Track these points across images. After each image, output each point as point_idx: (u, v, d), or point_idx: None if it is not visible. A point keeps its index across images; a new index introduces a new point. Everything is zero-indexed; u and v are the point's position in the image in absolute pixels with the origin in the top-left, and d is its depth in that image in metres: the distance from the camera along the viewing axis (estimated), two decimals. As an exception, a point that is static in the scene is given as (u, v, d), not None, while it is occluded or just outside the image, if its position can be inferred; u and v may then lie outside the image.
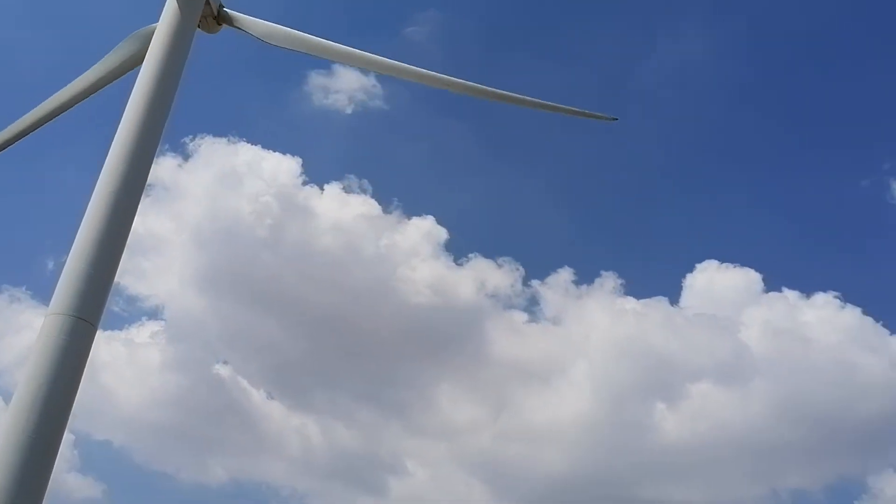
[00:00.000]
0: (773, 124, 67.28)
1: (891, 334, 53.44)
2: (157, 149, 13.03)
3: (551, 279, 59.67)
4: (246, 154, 56.59)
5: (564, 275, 59.14)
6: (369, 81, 62.43)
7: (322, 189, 59.02)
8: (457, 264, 59.42)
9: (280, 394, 56.63)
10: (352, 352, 53.92)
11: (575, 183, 70.23)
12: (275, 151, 57.76)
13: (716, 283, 57.08)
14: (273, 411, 56.07)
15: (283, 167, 57.18)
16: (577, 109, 16.00)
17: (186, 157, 57.28)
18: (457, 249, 59.36)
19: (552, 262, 63.98)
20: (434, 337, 56.14)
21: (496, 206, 67.94)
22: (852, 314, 53.86)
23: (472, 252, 59.91)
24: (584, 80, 68.67)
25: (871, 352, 52.74)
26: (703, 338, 53.98)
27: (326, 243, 55.85)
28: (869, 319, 53.77)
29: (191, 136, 56.09)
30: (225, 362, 55.54)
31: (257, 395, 54.97)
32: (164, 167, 54.02)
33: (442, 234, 58.39)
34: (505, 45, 69.18)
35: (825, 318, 54.13)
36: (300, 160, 57.70)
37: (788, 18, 65.67)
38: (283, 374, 56.66)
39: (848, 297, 53.94)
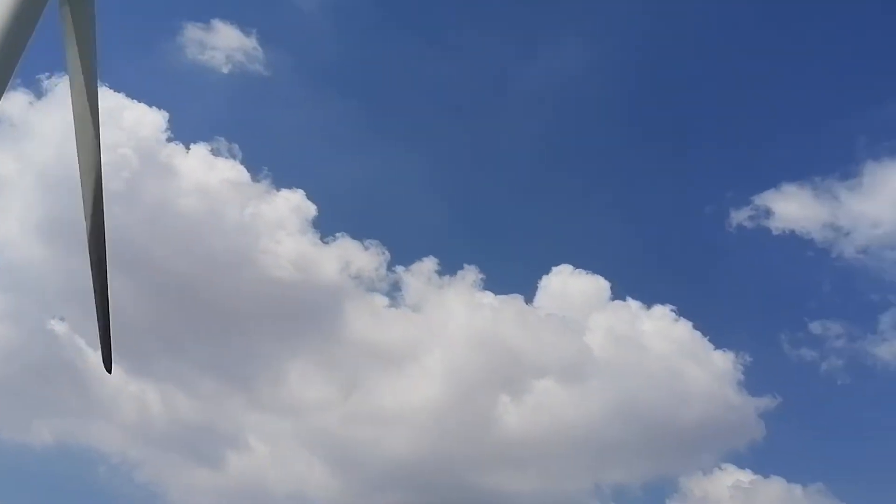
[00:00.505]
0: (641, 142, 71.24)
1: (715, 349, 58.36)
2: (8, 82, 12.13)
3: (416, 267, 60.38)
4: (107, 100, 52.99)
5: (429, 264, 59.99)
6: (250, 43, 60.48)
7: (188, 148, 56.68)
8: (323, 242, 58.87)
9: (119, 357, 53.48)
10: (202, 320, 52.35)
11: (453, 174, 71.45)
12: (139, 102, 54.81)
13: (568, 286, 59.82)
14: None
15: (146, 119, 54.30)
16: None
17: (40, 94, 53.47)
18: (324, 227, 58.81)
19: (419, 250, 64.78)
20: (291, 313, 55.46)
21: (371, 187, 67.79)
22: (684, 327, 58.18)
23: (339, 231, 59.56)
24: (467, 75, 70.02)
25: (696, 363, 57.31)
26: (551, 337, 56.48)
27: (187, 206, 53.75)
28: (698, 333, 58.42)
29: (48, 74, 52.33)
30: (61, 318, 52.20)
31: (94, 357, 51.89)
32: (13, 103, 49.92)
33: (311, 209, 57.66)
34: (393, 25, 69.21)
35: (661, 329, 58.14)
36: (167, 115, 55.09)
37: (666, 39, 69.72)
38: (124, 337, 53.43)
39: (682, 312, 58.06)
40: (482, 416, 54.63)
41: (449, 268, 60.89)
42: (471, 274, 59.99)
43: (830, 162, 69.46)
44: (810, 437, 61.38)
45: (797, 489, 53.66)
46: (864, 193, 68.12)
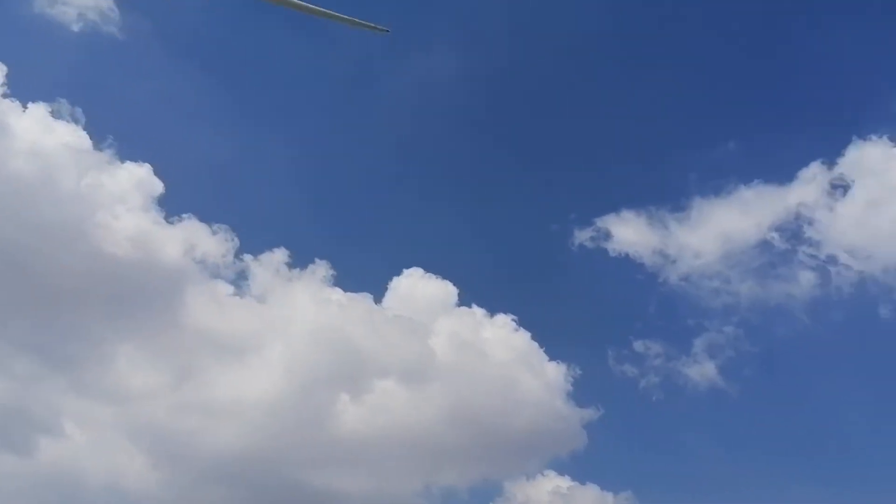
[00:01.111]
0: (500, 154, 73.33)
1: (549, 360, 61.25)
2: None
3: (265, 257, 58.85)
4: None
5: (279, 255, 58.70)
6: (106, 3, 56.39)
7: (25, 107, 52.26)
8: (167, 222, 55.93)
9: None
10: (25, 293, 47.99)
11: (313, 166, 70.10)
12: (-26, 50, 49.80)
13: (418, 289, 60.57)
14: None
15: (-21, 71, 49.52)
16: (350, 19, 16.22)
17: None
18: (170, 206, 56.00)
19: (270, 240, 62.87)
20: (125, 293, 52.14)
21: (225, 170, 65.25)
22: (523, 337, 60.70)
23: (187, 212, 56.89)
24: (335, 66, 69.09)
25: (531, 373, 59.85)
26: (396, 338, 56.87)
27: (17, 168, 49.27)
28: (535, 344, 61.16)
29: None
30: None
31: None
32: None
33: (157, 186, 54.76)
34: (263, 6, 66.90)
35: (501, 337, 60.29)
36: (4, 69, 50.44)
37: (535, 55, 72.28)
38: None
39: (522, 322, 60.68)
40: (319, 413, 54.04)
41: (300, 261, 59.82)
42: (322, 269, 59.30)
43: (665, 193, 75.00)
44: (625, 447, 65.83)
45: (609, 496, 57.37)
46: (691, 226, 74.11)
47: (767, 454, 67.57)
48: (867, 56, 73.31)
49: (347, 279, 59.47)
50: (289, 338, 55.22)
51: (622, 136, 74.51)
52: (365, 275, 64.37)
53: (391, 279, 60.26)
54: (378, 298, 59.19)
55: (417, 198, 71.45)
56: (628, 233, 68.57)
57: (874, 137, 69.17)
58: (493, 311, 60.97)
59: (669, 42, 75.99)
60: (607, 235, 66.70)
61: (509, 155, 73.56)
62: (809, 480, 63.02)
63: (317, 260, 60.09)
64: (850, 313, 71.28)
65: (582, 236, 66.72)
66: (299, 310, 56.45)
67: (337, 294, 58.23)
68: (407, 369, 55.80)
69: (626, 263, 67.70)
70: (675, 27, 74.80)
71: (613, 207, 69.41)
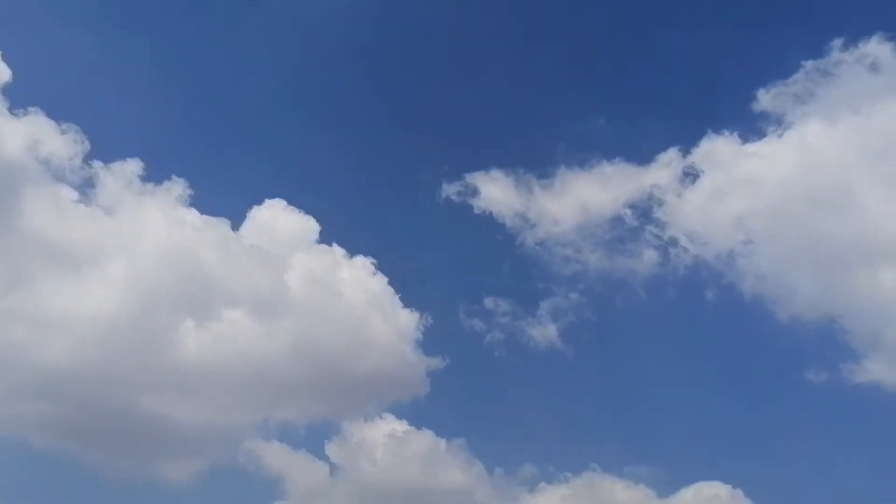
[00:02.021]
0: (382, 93, 71.52)
1: (403, 307, 61.98)
2: None
3: (117, 166, 55.17)
4: None
5: (133, 166, 55.25)
6: None
7: None
8: (11, 113, 51.11)
9: None
10: None
11: (183, 77, 65.23)
12: None
13: (278, 221, 59.14)
14: None
15: None
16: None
17: None
18: (16, 97, 51.20)
19: (125, 149, 58.61)
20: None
21: (83, 66, 59.64)
22: (380, 282, 60.96)
23: (34, 106, 52.18)
24: None
25: (383, 318, 60.32)
26: (251, 269, 55.44)
27: None
28: (391, 290, 61.56)
29: None
30: None
31: None
32: None
33: (4, 72, 49.64)
34: None
35: (358, 279, 60.22)
36: None
37: (432, 7, 71.05)
38: None
39: (380, 266, 60.79)
40: (159, 336, 51.99)
41: (155, 175, 56.62)
42: (179, 187, 56.51)
43: (534, 159, 76.95)
44: (464, 398, 68.22)
45: (442, 442, 59.50)
46: (554, 194, 76.68)
47: (593, 413, 72.43)
48: (734, 55, 77.76)
49: (205, 202, 57.00)
50: (134, 255, 52.49)
51: (503, 98, 75.22)
52: (224, 200, 61.81)
53: (251, 208, 58.52)
54: (236, 226, 57.36)
55: (289, 128, 69.09)
56: (495, 192, 70.02)
57: (727, 133, 73.91)
58: (352, 252, 60.74)
59: (557, 14, 77.39)
60: (475, 192, 67.76)
61: (390, 100, 72.53)
62: (622, 440, 68.28)
63: (174, 177, 57.09)
64: (681, 293, 76.92)
65: (450, 190, 67.37)
66: (149, 227, 53.66)
67: (192, 216, 55.80)
68: (258, 301, 54.72)
69: (489, 222, 69.28)
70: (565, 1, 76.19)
71: (484, 165, 70.47)
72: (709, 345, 76.03)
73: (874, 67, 66.38)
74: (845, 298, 63.00)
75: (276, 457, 58.39)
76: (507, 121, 78.88)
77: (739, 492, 58.35)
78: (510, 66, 78.27)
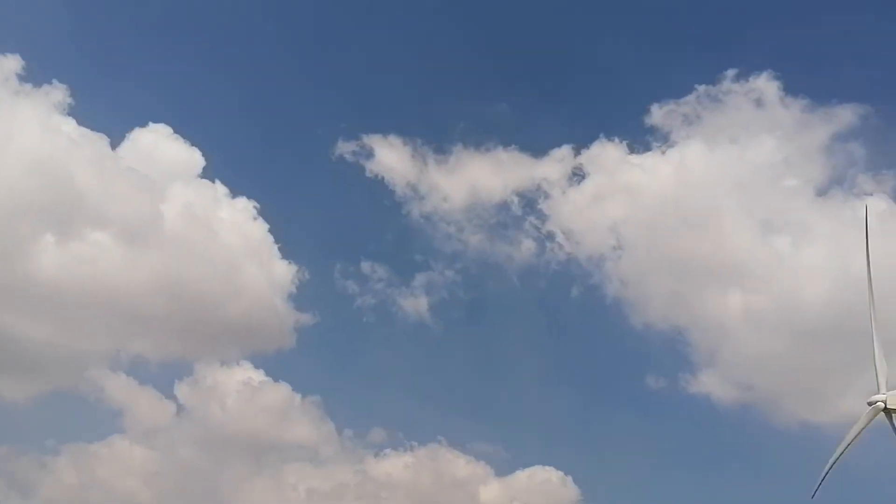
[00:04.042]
0: (294, 46, 70.25)
1: (281, 258, 61.13)
2: None
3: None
4: None
5: (12, 63, 52.46)
6: None
7: None
8: None
9: None
10: None
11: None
12: None
13: (161, 147, 56.74)
14: None
15: None
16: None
17: None
18: None
19: (2, 44, 54.70)
20: None
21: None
22: (261, 228, 59.75)
23: None
24: None
25: (259, 265, 59.27)
26: (125, 192, 53.02)
27: None
28: (271, 238, 60.53)
29: None
30: None
31: None
32: None
33: None
34: None
35: (238, 222, 58.76)
36: None
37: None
38: None
39: (263, 212, 59.69)
40: (14, 248, 48.99)
41: (35, 76, 53.06)
42: (59, 93, 53.38)
43: (434, 133, 77.70)
44: (326, 357, 68.32)
45: (297, 397, 59.67)
46: (448, 170, 77.53)
47: (448, 389, 74.34)
48: (636, 68, 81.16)
49: (85, 113, 53.95)
50: (4, 161, 48.94)
51: (413, 68, 75.30)
52: (106, 115, 58.62)
53: (133, 129, 55.80)
54: (115, 144, 54.59)
55: (188, 55, 66.42)
56: (390, 158, 70.01)
57: (617, 140, 77.25)
58: (236, 192, 59.18)
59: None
60: (370, 154, 67.52)
61: (299, 48, 70.98)
62: (471, 418, 70.64)
63: (55, 81, 53.78)
64: (551, 286, 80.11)
65: (345, 148, 66.82)
66: (21, 130, 50.13)
67: (69, 126, 52.70)
68: (127, 227, 52.43)
69: (379, 187, 69.28)
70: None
71: (383, 129, 70.30)
72: (567, 339, 79.62)
73: (759, 103, 71.14)
74: (693, 313, 67.72)
75: (121, 389, 56.46)
76: (414, 90, 78.88)
77: (570, 478, 61.98)
78: (426, 39, 78.18)
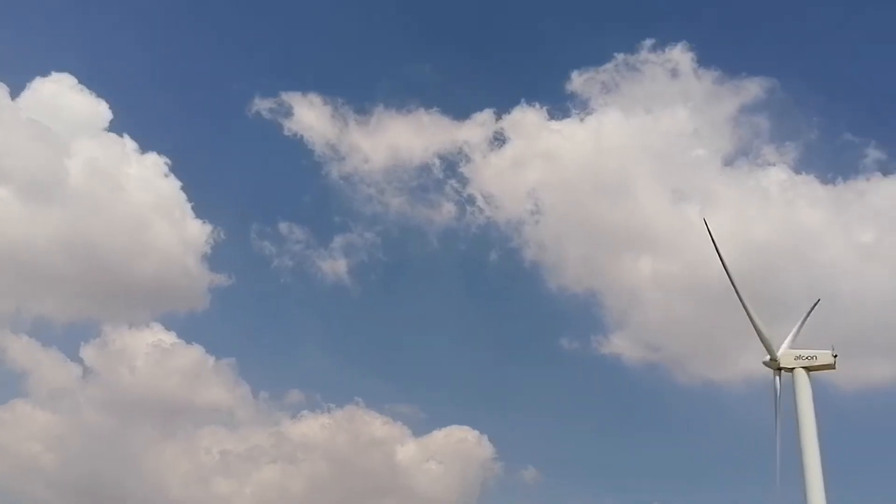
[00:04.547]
0: (206, 19, 67.34)
1: (195, 217, 59.34)
2: None
3: None
4: None
5: None
6: None
7: None
8: None
9: None
10: None
11: None
12: None
13: (65, 99, 54.01)
14: None
15: None
16: None
17: None
18: None
19: None
20: None
21: None
22: (172, 186, 57.73)
23: None
24: None
25: (170, 224, 57.40)
26: (26, 145, 50.33)
27: None
28: (183, 196, 58.58)
29: None
30: None
31: None
32: None
33: None
34: None
35: (148, 178, 56.64)
36: None
37: None
38: None
39: (175, 168, 57.84)
40: None
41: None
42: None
43: (354, 92, 76.45)
44: (241, 319, 67.33)
45: (211, 360, 58.65)
46: (369, 131, 76.60)
47: (366, 351, 74.41)
48: (558, 34, 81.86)
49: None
50: None
51: (335, 24, 73.82)
52: (4, 62, 55.50)
53: (34, 78, 52.79)
54: (14, 94, 51.54)
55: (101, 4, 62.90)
56: (310, 117, 68.62)
57: (537, 106, 78.03)
58: (146, 147, 56.96)
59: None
60: (288, 112, 65.98)
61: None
62: (389, 379, 71.06)
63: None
64: (470, 249, 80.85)
65: (262, 105, 65.09)
66: None
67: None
68: (30, 182, 49.97)
69: (298, 146, 67.92)
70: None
71: (302, 87, 68.83)
72: (485, 302, 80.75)
73: (674, 73, 72.89)
74: (607, 278, 69.68)
75: (23, 352, 54.34)
76: (335, 48, 77.26)
77: (485, 437, 63.44)
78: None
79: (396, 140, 72.73)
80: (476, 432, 63.48)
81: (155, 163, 56.57)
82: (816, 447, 29.09)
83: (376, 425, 63.30)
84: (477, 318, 78.19)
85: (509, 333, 78.68)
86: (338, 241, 74.77)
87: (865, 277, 65.02)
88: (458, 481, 61.92)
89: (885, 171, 73.89)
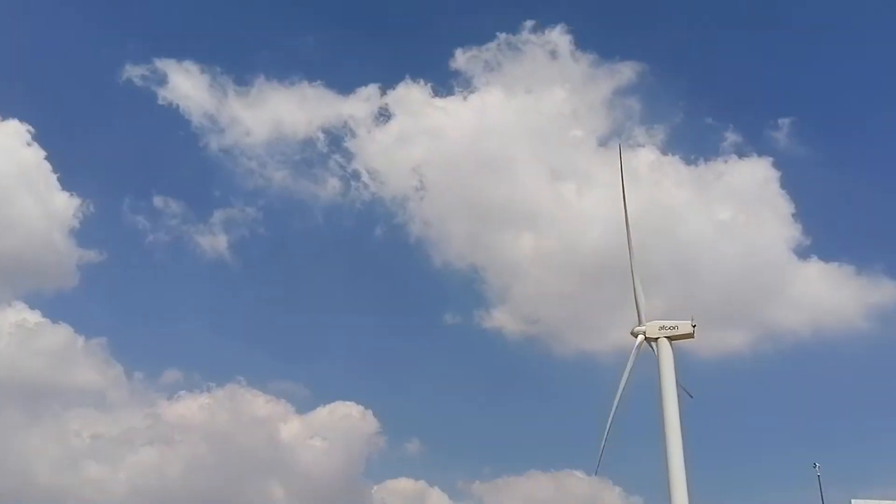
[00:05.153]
0: None
1: (62, 189, 56.26)
2: None
3: None
4: None
5: None
6: None
7: None
8: None
9: None
10: None
11: None
12: None
13: None
14: None
15: None
16: None
17: None
18: None
19: None
20: None
21: None
22: (36, 155, 54.46)
23: None
24: None
25: (34, 196, 54.21)
26: None
27: None
28: (48, 166, 55.39)
29: None
30: None
31: None
32: None
33: None
34: None
35: (9, 147, 53.39)
36: None
37: None
38: None
39: (38, 137, 54.64)
40: None
41: None
42: None
43: (234, 62, 74.37)
44: (113, 296, 64.67)
45: (80, 339, 56.64)
46: (250, 103, 74.71)
47: (248, 328, 73.15)
48: (445, 10, 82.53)
49: None
50: None
51: None
52: None
53: None
54: None
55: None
56: (186, 86, 66.12)
57: (422, 82, 78.50)
58: (6, 113, 53.62)
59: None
60: (162, 80, 63.27)
61: None
62: (271, 356, 70.37)
63: None
64: (355, 224, 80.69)
65: (133, 72, 62.14)
66: None
67: None
68: None
69: (174, 116, 65.36)
70: None
71: (178, 54, 66.11)
72: (369, 278, 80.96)
73: (553, 55, 75.22)
74: (489, 254, 71.65)
75: None
76: (213, 14, 74.60)
77: (370, 412, 64.16)
78: None
79: (279, 113, 71.34)
80: (360, 407, 63.99)
81: (16, 130, 53.29)
82: (677, 412, 31.40)
83: (259, 403, 62.60)
84: (361, 294, 78.38)
85: (394, 309, 79.43)
86: (217, 215, 72.71)
87: (722, 252, 70.08)
88: (342, 457, 62.36)
89: (741, 153, 79.60)
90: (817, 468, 38.96)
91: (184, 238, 67.61)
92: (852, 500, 27.55)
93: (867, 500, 27.62)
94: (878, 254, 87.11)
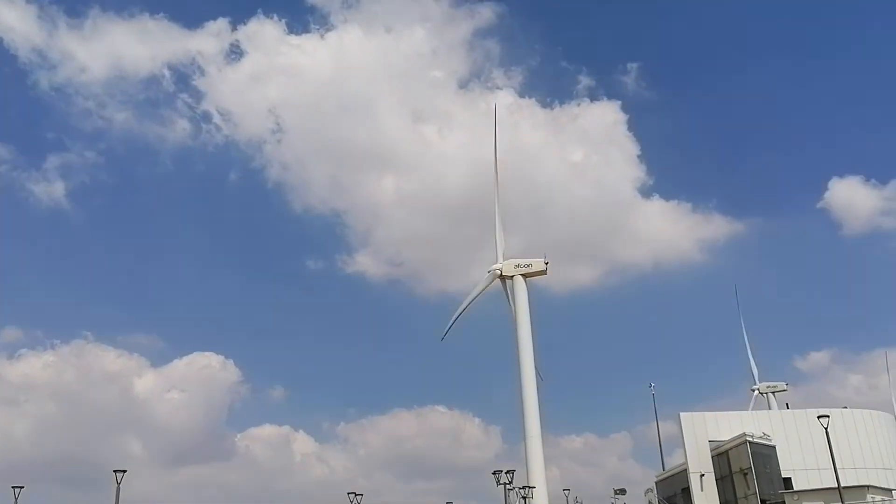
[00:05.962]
0: None
1: None
2: None
3: None
4: None
5: None
6: None
7: None
8: None
9: None
10: None
11: None
12: None
13: None
14: None
15: None
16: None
17: None
18: None
19: None
20: None
21: None
22: None
23: None
24: None
25: None
26: None
27: None
28: None
29: None
30: None
31: None
32: None
33: None
34: None
35: None
36: None
37: None
38: None
39: None
40: None
41: None
42: None
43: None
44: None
45: None
46: (84, 37, 69.78)
47: (93, 281, 69.79)
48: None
49: None
50: None
51: None
52: None
53: None
54: None
55: None
56: (10, 17, 60.94)
57: (276, 18, 76.30)
58: None
59: None
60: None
61: None
62: (120, 309, 67.88)
63: None
64: (208, 169, 77.98)
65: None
66: None
67: None
68: None
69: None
70: None
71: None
72: (226, 224, 79.07)
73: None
74: (351, 197, 71.99)
75: None
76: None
77: (231, 362, 63.78)
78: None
79: (118, 48, 67.19)
80: (221, 357, 63.44)
81: None
82: (531, 345, 33.79)
83: (109, 359, 60.49)
84: (218, 241, 76.46)
85: (253, 256, 78.19)
86: (52, 160, 68.21)
87: (574, 192, 74.09)
88: (202, 407, 61.84)
89: (593, 96, 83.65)
90: (652, 388, 43.37)
91: (14, 186, 63.13)
92: (681, 414, 31.08)
93: (692, 412, 31.34)
94: (712, 191, 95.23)
